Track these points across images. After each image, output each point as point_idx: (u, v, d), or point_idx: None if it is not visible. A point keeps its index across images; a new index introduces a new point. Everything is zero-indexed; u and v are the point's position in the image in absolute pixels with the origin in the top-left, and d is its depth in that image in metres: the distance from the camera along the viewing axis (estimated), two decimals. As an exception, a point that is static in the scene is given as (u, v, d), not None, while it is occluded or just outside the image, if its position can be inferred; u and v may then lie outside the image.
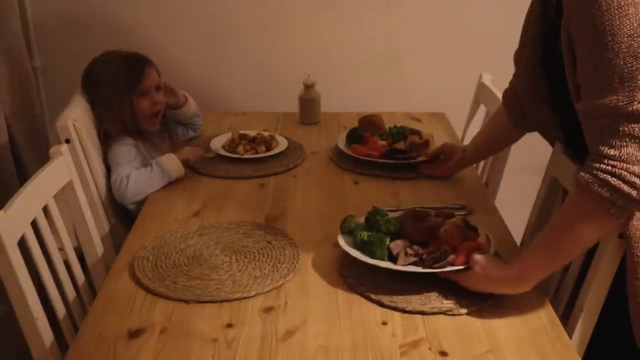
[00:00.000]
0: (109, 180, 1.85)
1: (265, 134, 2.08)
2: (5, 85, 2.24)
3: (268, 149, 2.00)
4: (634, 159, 1.09)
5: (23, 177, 2.19)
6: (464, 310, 1.26)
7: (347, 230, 1.45)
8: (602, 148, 1.12)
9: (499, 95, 2.00)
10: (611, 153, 1.11)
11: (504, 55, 1.83)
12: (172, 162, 1.84)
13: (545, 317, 1.26)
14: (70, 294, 1.45)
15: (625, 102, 1.09)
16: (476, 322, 1.24)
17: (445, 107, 2.45)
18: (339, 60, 2.54)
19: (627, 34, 1.08)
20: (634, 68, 1.08)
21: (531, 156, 2.08)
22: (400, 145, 1.97)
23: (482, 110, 2.18)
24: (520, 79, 1.50)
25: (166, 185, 1.82)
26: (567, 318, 1.37)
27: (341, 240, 1.41)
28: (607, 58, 1.10)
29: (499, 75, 2.17)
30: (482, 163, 2.08)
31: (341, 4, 2.48)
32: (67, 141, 1.68)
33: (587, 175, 1.14)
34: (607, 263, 1.28)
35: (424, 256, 1.32)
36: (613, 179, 1.10)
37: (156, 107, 1.93)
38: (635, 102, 1.08)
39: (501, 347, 1.17)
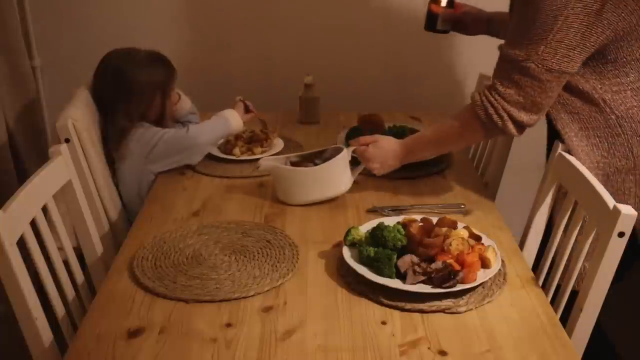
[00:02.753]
0: (109, 179, 1.86)
1: (267, 130, 2.09)
2: (5, 85, 2.24)
3: (263, 148, 2.00)
4: (511, 99, 1.47)
5: (23, 176, 2.19)
6: (463, 309, 1.26)
7: (351, 243, 1.44)
8: (496, 82, 1.49)
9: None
10: (500, 89, 1.48)
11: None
12: (233, 115, 1.96)
13: (544, 316, 1.26)
14: (70, 293, 1.45)
15: (523, 58, 1.44)
16: (475, 322, 1.24)
17: (445, 107, 2.45)
18: (339, 60, 2.54)
19: (557, 4, 1.36)
20: (542, 37, 1.40)
21: (531, 155, 2.08)
22: (400, 145, 1.96)
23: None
24: None
25: (166, 185, 1.82)
26: (567, 318, 1.37)
27: (346, 255, 1.40)
28: (530, 17, 1.42)
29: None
30: (480, 162, 2.08)
31: (342, 3, 2.48)
32: (67, 141, 1.68)
33: (478, 98, 1.52)
34: (607, 263, 1.28)
35: (432, 275, 1.30)
36: (491, 108, 1.50)
37: (176, 98, 2.04)
38: (529, 61, 1.43)
39: (500, 347, 1.17)
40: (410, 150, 1.66)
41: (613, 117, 1.50)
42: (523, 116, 1.48)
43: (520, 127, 1.51)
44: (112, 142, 1.87)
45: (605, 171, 1.53)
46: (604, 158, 1.53)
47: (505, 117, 1.49)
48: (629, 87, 1.49)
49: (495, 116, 1.49)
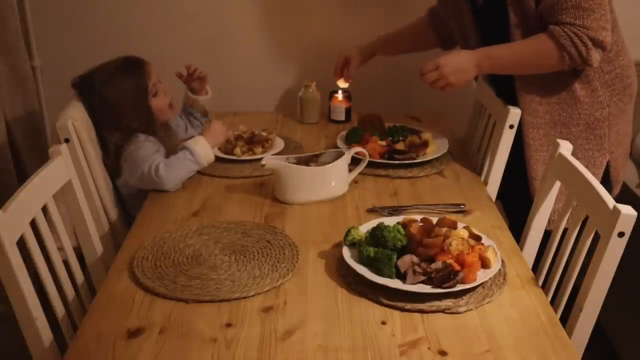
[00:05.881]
0: (109, 179, 1.86)
1: (264, 133, 2.08)
2: (5, 85, 2.24)
3: (264, 148, 1.99)
4: (592, 25, 1.63)
5: (23, 176, 2.19)
6: (463, 309, 1.26)
7: (351, 243, 1.44)
8: (570, 20, 1.64)
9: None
10: (577, 22, 1.64)
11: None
12: (205, 151, 1.84)
13: (544, 316, 1.26)
14: (70, 293, 1.45)
15: None
16: (475, 322, 1.24)
17: (445, 107, 2.45)
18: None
19: None
20: None
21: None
22: (400, 145, 1.97)
23: (483, 109, 2.18)
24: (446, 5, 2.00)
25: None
26: (567, 318, 1.37)
27: (346, 255, 1.39)
28: None
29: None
30: (480, 162, 2.08)
31: (341, 3, 2.48)
32: (67, 140, 1.68)
33: (559, 30, 1.65)
34: (607, 263, 1.28)
35: (432, 275, 1.30)
36: (575, 37, 1.64)
37: (168, 97, 1.97)
38: None
39: (500, 347, 1.17)
40: (485, 53, 1.76)
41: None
42: (605, 35, 1.65)
43: (603, 47, 1.67)
44: (110, 159, 1.85)
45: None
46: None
47: (590, 44, 1.64)
48: None
49: (580, 44, 1.63)
